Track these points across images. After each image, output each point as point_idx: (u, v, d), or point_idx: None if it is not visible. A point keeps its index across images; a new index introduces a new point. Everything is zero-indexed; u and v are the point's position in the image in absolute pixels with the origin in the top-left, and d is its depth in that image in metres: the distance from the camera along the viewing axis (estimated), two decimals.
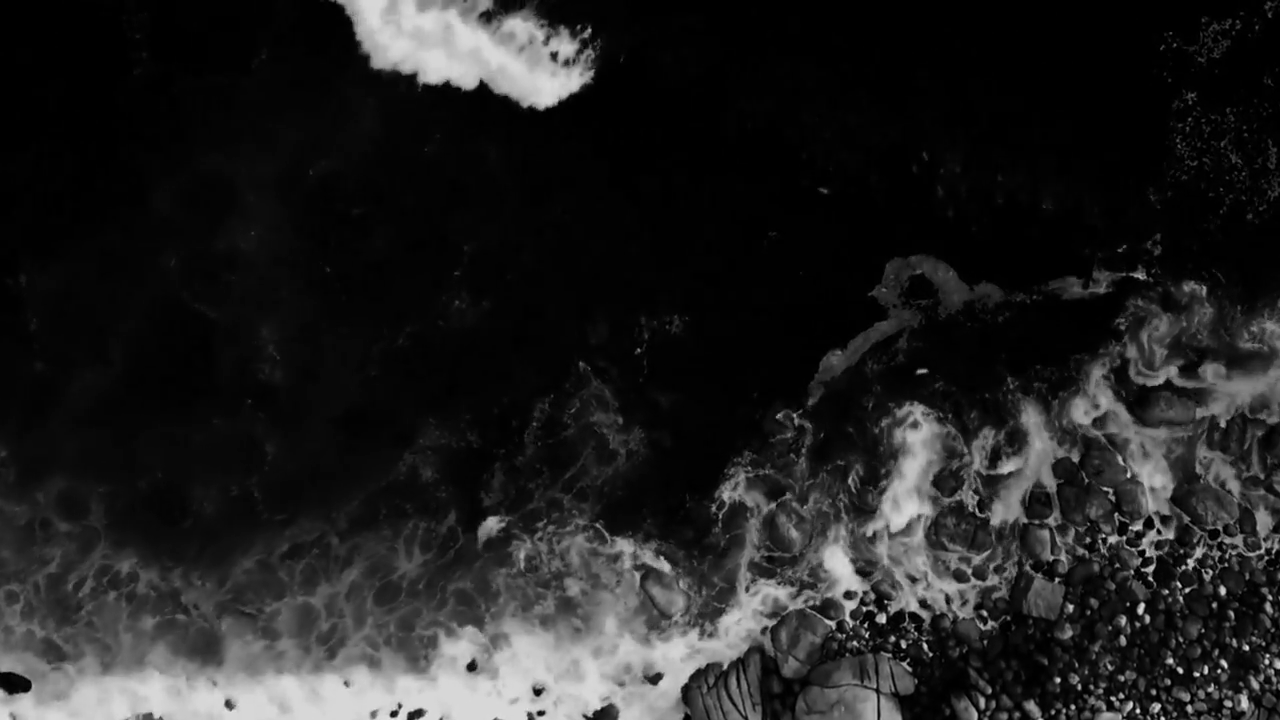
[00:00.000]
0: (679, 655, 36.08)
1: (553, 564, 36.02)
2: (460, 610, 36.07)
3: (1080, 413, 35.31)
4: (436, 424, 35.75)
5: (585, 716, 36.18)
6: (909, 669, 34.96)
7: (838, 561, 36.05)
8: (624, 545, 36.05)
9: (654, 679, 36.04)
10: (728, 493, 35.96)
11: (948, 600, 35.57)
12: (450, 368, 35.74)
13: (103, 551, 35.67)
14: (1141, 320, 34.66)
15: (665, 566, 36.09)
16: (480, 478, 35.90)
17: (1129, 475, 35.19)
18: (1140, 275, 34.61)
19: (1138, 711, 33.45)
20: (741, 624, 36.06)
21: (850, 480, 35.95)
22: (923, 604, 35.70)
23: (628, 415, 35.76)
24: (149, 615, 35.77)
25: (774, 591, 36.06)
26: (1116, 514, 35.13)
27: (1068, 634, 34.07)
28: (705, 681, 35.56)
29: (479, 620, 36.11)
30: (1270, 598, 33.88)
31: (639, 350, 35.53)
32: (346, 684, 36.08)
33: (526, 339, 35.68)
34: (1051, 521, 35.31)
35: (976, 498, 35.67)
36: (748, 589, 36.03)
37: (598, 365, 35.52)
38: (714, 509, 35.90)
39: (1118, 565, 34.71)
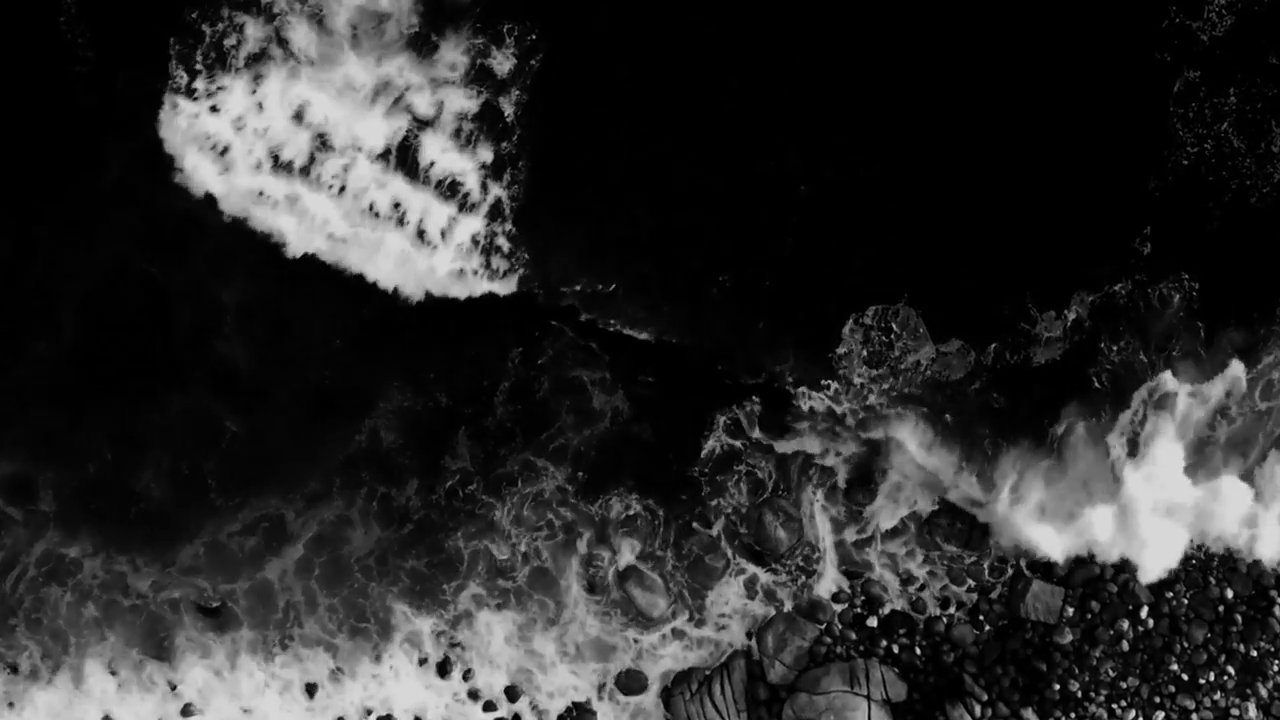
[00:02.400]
0: (662, 646, 34.91)
1: (522, 544, 34.91)
2: (423, 594, 34.90)
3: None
4: (400, 386, 34.66)
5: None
6: (901, 675, 33.76)
7: (826, 561, 34.86)
8: (603, 510, 34.97)
9: (634, 681, 34.74)
10: (714, 489, 34.91)
11: (942, 603, 34.39)
12: (422, 335, 34.66)
13: (51, 539, 34.41)
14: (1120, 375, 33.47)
15: (647, 567, 34.96)
16: (448, 441, 34.65)
17: None
18: (1123, 288, 33.26)
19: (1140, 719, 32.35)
20: (729, 604, 34.90)
21: (840, 477, 34.85)
22: (915, 607, 34.52)
23: (613, 371, 34.75)
24: (97, 610, 34.48)
25: (761, 575, 34.93)
26: None
27: (1067, 638, 32.82)
28: (688, 688, 34.45)
29: (443, 604, 34.92)
30: None
31: (614, 287, 33.98)
32: (311, 691, 34.85)
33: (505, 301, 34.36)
34: None
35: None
36: (729, 567, 34.97)
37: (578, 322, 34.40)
38: (700, 477, 34.93)
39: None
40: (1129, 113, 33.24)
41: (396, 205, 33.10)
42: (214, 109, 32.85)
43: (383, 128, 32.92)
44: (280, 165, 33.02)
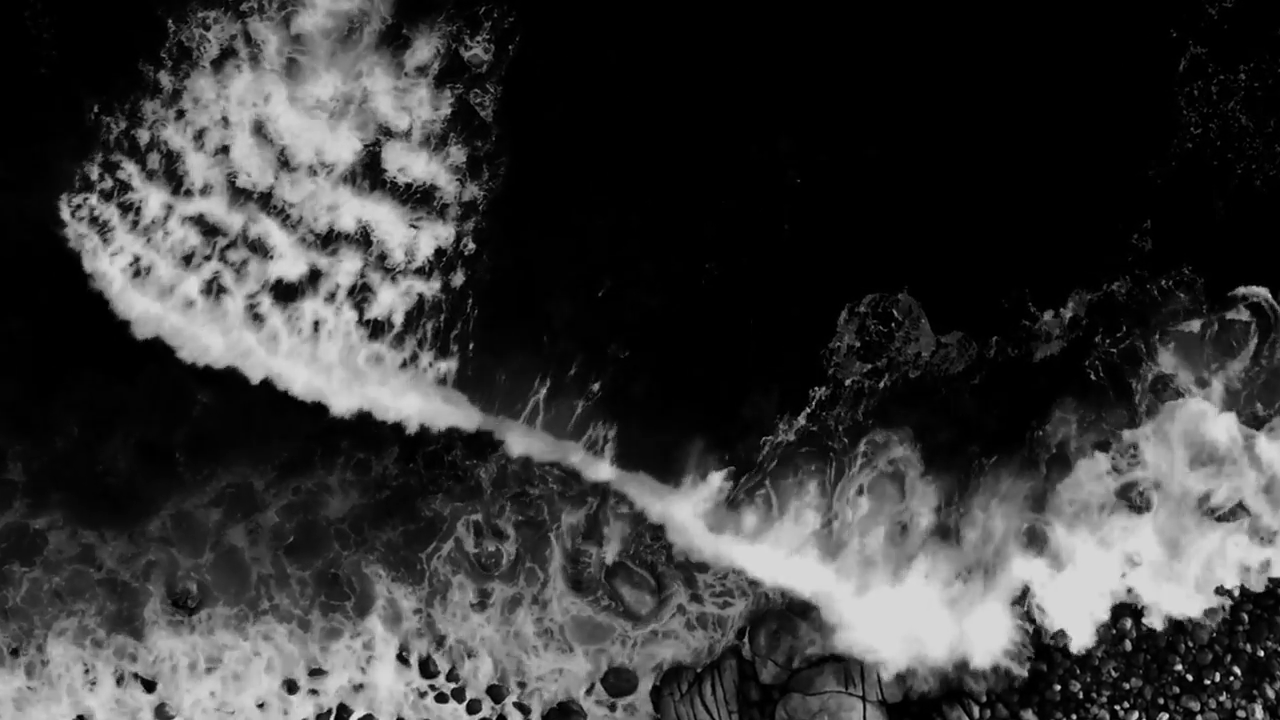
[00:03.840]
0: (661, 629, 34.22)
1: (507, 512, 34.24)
2: (399, 565, 34.29)
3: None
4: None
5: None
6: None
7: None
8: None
9: (622, 680, 34.16)
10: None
11: None
12: None
13: (18, 510, 33.92)
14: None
15: (634, 562, 34.26)
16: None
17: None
18: (1122, 281, 32.00)
19: None
20: (729, 580, 34.11)
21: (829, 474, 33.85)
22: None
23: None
24: (64, 584, 34.04)
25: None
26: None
27: (1069, 638, 31.96)
28: (677, 688, 33.82)
29: (419, 576, 34.32)
30: None
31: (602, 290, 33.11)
32: (291, 689, 34.45)
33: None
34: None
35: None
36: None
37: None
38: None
39: None
40: (1132, 92, 31.96)
41: (361, 224, 32.43)
42: (180, 113, 32.21)
43: (349, 139, 32.16)
44: (238, 191, 32.39)
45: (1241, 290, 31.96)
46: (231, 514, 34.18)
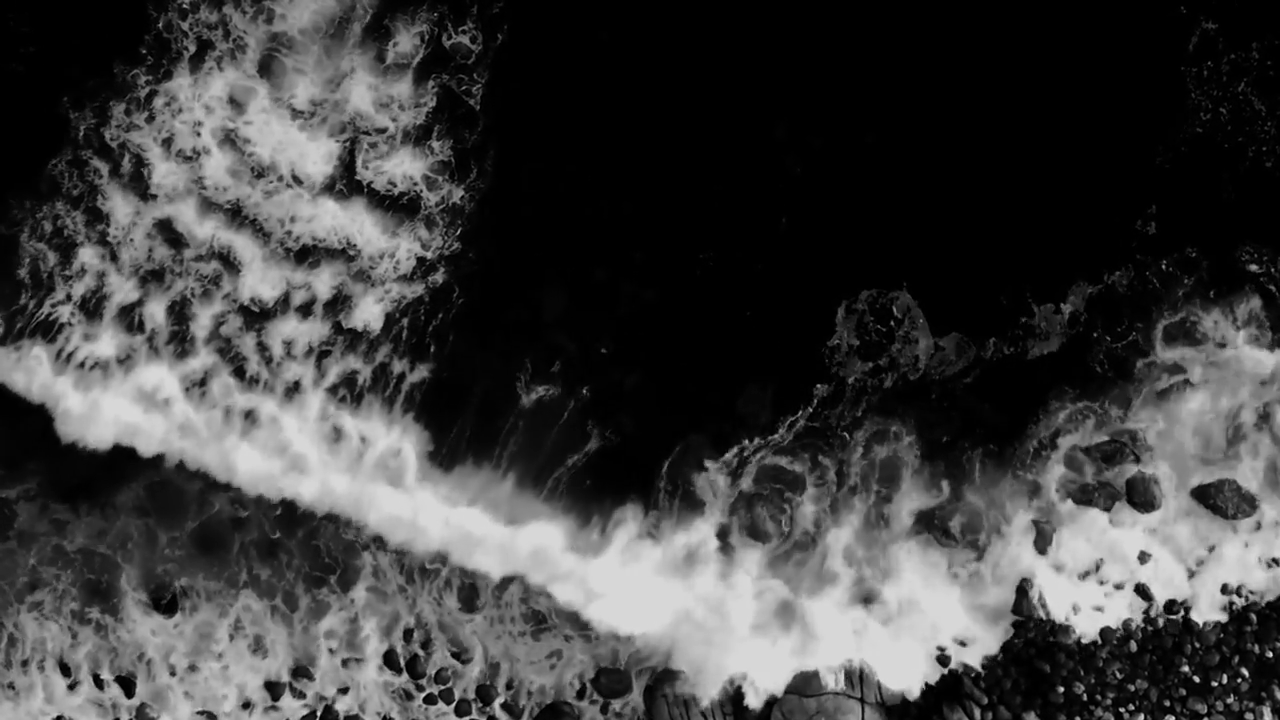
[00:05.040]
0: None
1: None
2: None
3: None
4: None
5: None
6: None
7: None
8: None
9: (615, 682, 33.67)
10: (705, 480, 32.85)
11: None
12: None
13: None
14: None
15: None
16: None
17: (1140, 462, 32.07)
18: (1124, 273, 31.11)
19: None
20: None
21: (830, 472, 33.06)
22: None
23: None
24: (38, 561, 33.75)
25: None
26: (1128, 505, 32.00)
27: (1073, 638, 31.50)
28: (671, 689, 33.29)
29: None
30: None
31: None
32: (275, 694, 34.15)
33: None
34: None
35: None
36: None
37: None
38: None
39: None
40: (1138, 73, 31.07)
41: (340, 232, 31.93)
42: (150, 118, 31.76)
43: (329, 142, 31.66)
44: (211, 204, 31.91)
45: (1247, 256, 31.01)
46: (213, 482, 33.36)
